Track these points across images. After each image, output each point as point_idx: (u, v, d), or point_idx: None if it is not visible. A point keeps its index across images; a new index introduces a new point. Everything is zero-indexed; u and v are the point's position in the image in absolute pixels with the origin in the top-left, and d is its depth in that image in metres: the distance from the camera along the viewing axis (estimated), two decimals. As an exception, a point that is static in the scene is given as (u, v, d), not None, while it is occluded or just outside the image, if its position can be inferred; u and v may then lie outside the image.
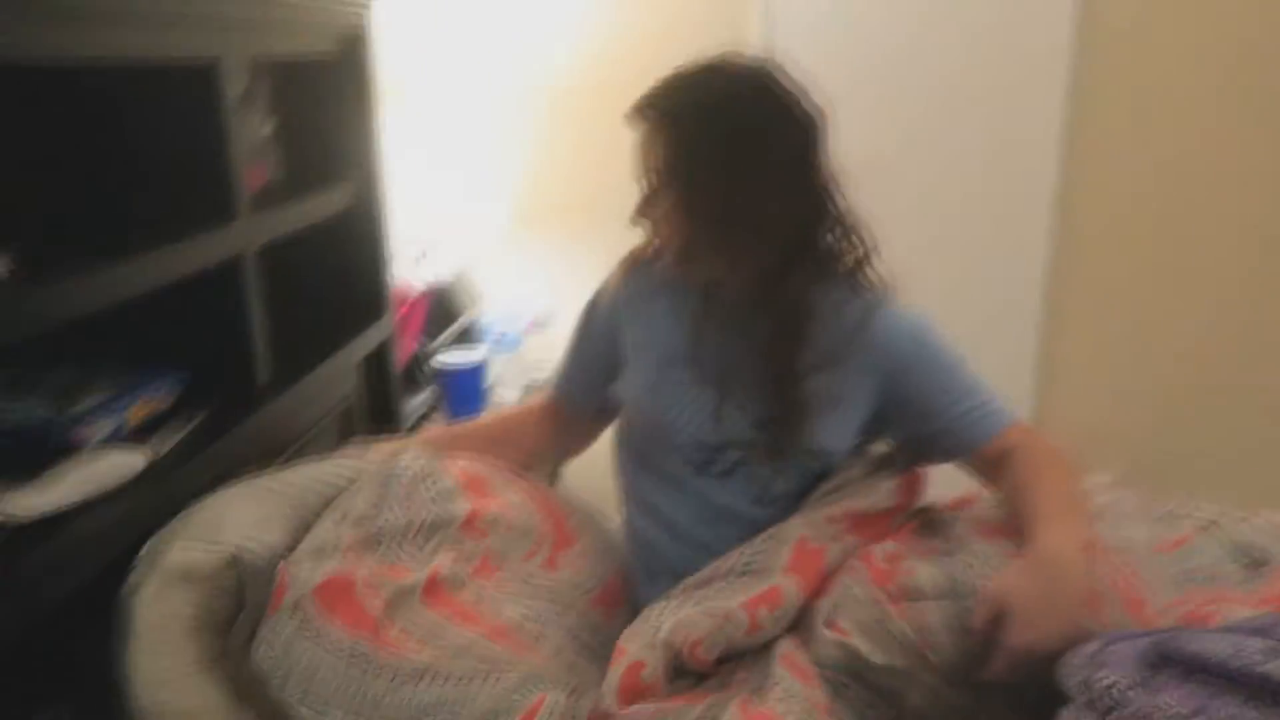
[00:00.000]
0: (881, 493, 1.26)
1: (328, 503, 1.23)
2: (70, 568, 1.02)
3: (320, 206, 1.59)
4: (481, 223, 2.44)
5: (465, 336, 2.39)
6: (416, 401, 2.09)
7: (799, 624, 1.15)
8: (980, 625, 1.02)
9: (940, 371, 1.27)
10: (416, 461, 1.25)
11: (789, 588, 1.14)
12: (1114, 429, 2.56)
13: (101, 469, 1.09)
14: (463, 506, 1.20)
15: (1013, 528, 1.15)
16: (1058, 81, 2.34)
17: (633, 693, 1.06)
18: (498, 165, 2.46)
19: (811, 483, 1.28)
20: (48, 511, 1.02)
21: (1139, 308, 2.50)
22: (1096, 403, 2.58)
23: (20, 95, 1.17)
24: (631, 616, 1.28)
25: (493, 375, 2.30)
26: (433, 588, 1.09)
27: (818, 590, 1.15)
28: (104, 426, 1.17)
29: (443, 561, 1.12)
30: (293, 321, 1.49)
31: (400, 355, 1.93)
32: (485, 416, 1.58)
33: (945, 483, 1.35)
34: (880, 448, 1.36)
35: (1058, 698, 0.94)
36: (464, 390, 2.17)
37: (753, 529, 1.22)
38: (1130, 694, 0.86)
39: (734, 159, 1.18)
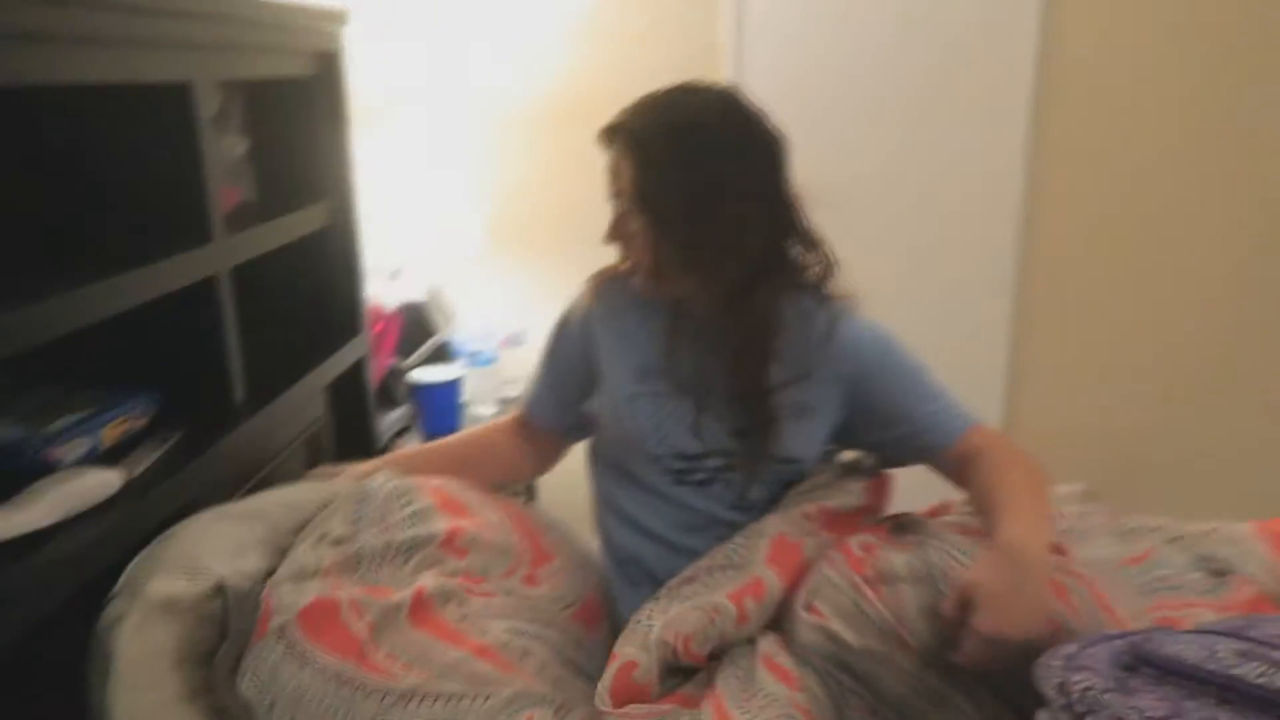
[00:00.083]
0: (852, 493, 1.30)
1: (302, 526, 1.23)
2: (45, 589, 1.01)
3: (295, 226, 1.59)
4: (454, 242, 2.45)
5: (439, 355, 2.39)
6: (391, 418, 2.09)
7: (781, 616, 1.17)
8: (950, 612, 1.05)
9: (904, 377, 1.31)
10: (389, 482, 1.26)
11: (771, 579, 1.17)
12: (1082, 435, 2.61)
13: (77, 489, 1.09)
14: (440, 525, 1.20)
15: (984, 531, 1.18)
16: (1023, 95, 2.40)
17: (625, 693, 1.08)
18: (470, 185, 2.48)
19: (785, 489, 1.32)
20: (23, 532, 1.02)
21: (1106, 316, 2.55)
22: (1065, 409, 2.63)
23: (-7, 118, 1.17)
24: (612, 632, 1.30)
25: (468, 392, 2.31)
26: (419, 606, 1.09)
27: (797, 581, 1.18)
28: (78, 446, 1.17)
29: (426, 579, 1.12)
30: (268, 340, 1.50)
31: (375, 373, 1.94)
32: (453, 436, 1.57)
33: (923, 493, 1.38)
34: (849, 455, 1.40)
35: (1031, 687, 0.96)
36: (439, 407, 2.18)
37: (731, 532, 1.26)
38: (1106, 697, 0.87)
39: (703, 180, 1.21)
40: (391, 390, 2.16)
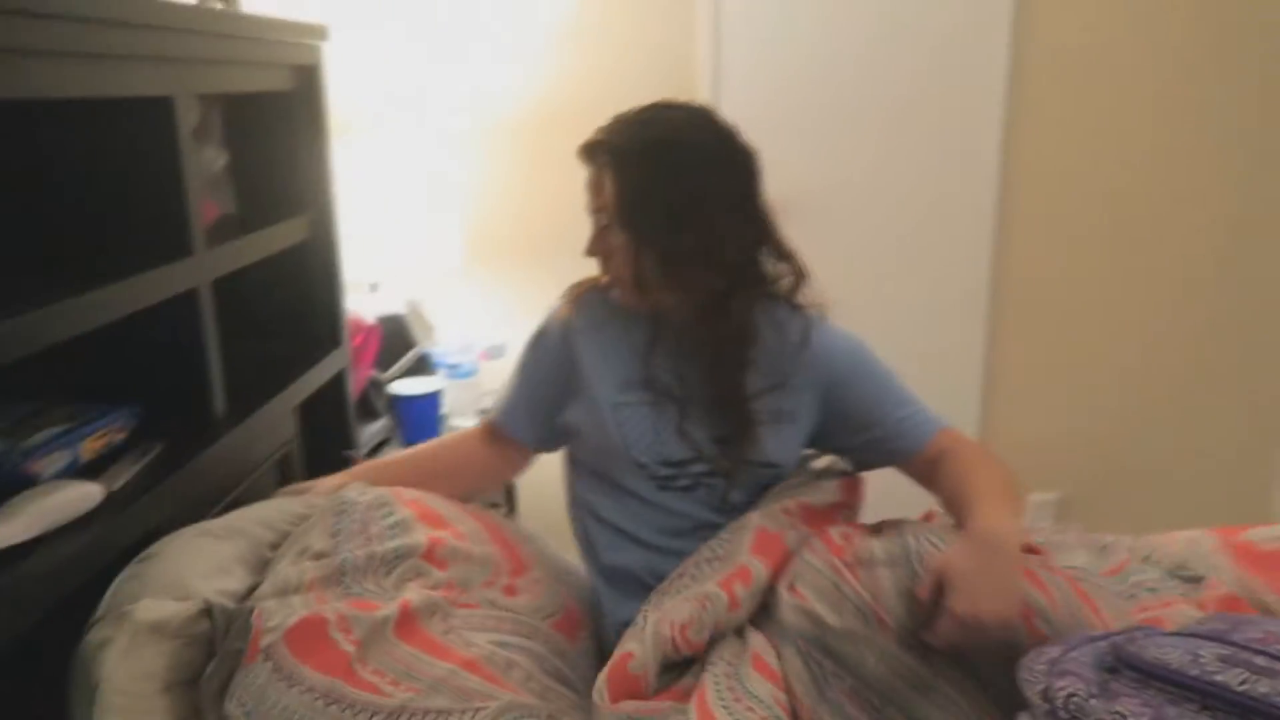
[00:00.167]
0: (828, 490, 1.34)
1: (280, 541, 1.23)
2: (25, 604, 1.00)
3: (275, 239, 1.59)
4: (434, 255, 2.46)
5: (419, 367, 2.39)
6: (372, 430, 2.09)
7: (769, 607, 1.19)
8: (925, 594, 1.07)
9: (876, 383, 1.36)
10: (366, 493, 1.26)
11: (757, 566, 1.20)
12: (1056, 443, 2.65)
13: (58, 502, 1.08)
14: (421, 537, 1.21)
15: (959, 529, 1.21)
16: (995, 108, 2.44)
17: (622, 682, 1.10)
18: (449, 199, 2.48)
19: (764, 492, 1.35)
20: (2, 546, 1.01)
21: (1079, 325, 2.59)
22: (1039, 417, 2.67)
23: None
24: (595, 642, 1.32)
25: (448, 404, 2.31)
26: (405, 620, 1.09)
27: (781, 568, 1.21)
28: (58, 460, 1.17)
29: (411, 593, 1.13)
30: (248, 353, 1.50)
31: (355, 385, 1.94)
32: (419, 447, 1.56)
33: (912, 504, 1.40)
34: (824, 460, 1.44)
35: (1010, 672, 0.99)
36: (420, 419, 2.18)
37: (715, 534, 1.28)
38: (1090, 704, 0.88)
39: (684, 194, 1.25)
40: (372, 402, 2.16)
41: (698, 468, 1.33)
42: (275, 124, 1.67)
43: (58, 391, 1.27)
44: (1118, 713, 0.86)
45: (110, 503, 1.15)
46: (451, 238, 2.47)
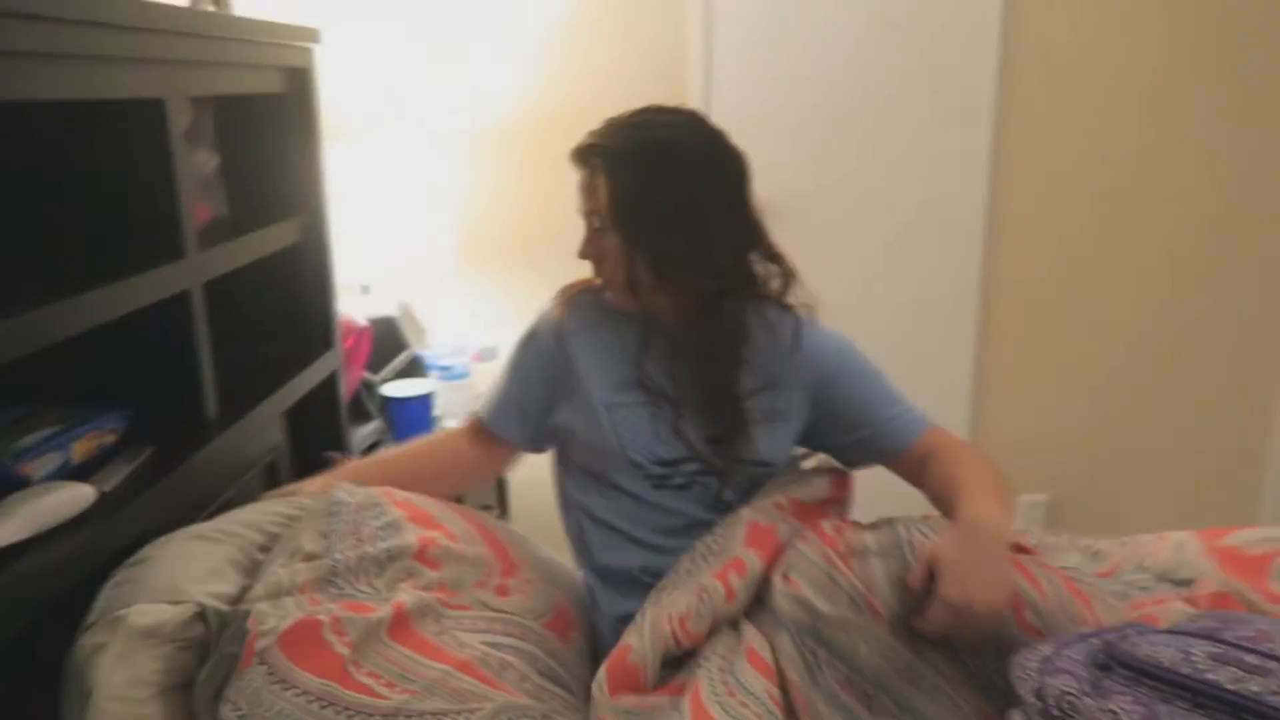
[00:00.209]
0: (817, 486, 1.36)
1: (270, 544, 1.23)
2: (18, 604, 1.00)
3: (267, 241, 1.59)
4: (425, 257, 2.46)
5: (411, 369, 2.39)
6: (364, 432, 2.09)
7: (763, 598, 1.19)
8: (916, 582, 1.08)
9: (865, 382, 1.38)
10: (356, 494, 1.26)
11: (751, 558, 1.21)
12: (1046, 443, 2.66)
13: (50, 504, 1.08)
14: (412, 537, 1.21)
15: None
16: (985, 110, 2.46)
17: (622, 673, 1.11)
18: (441, 201, 2.49)
19: (755, 490, 1.36)
20: (-4, 548, 1.01)
21: (1070, 325, 2.60)
22: (1029, 418, 2.68)
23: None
24: (586, 642, 1.32)
25: (439, 406, 2.31)
26: (399, 622, 1.09)
27: (775, 559, 1.22)
28: (49, 462, 1.17)
29: (405, 595, 1.13)
30: (240, 356, 1.50)
31: (347, 387, 1.94)
32: (403, 447, 1.55)
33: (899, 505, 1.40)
34: (814, 460, 1.46)
35: (997, 663, 1.00)
36: (412, 421, 2.18)
37: (709, 531, 1.29)
38: (1083, 702, 0.88)
39: (678, 197, 1.26)
40: (364, 404, 2.16)
41: (692, 466, 1.34)
42: (267, 126, 1.67)
43: (49, 394, 1.27)
44: (1111, 710, 0.87)
45: (102, 504, 1.15)
46: (443, 240, 2.48)
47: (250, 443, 1.50)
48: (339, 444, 1.84)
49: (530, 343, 1.44)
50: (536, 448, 1.47)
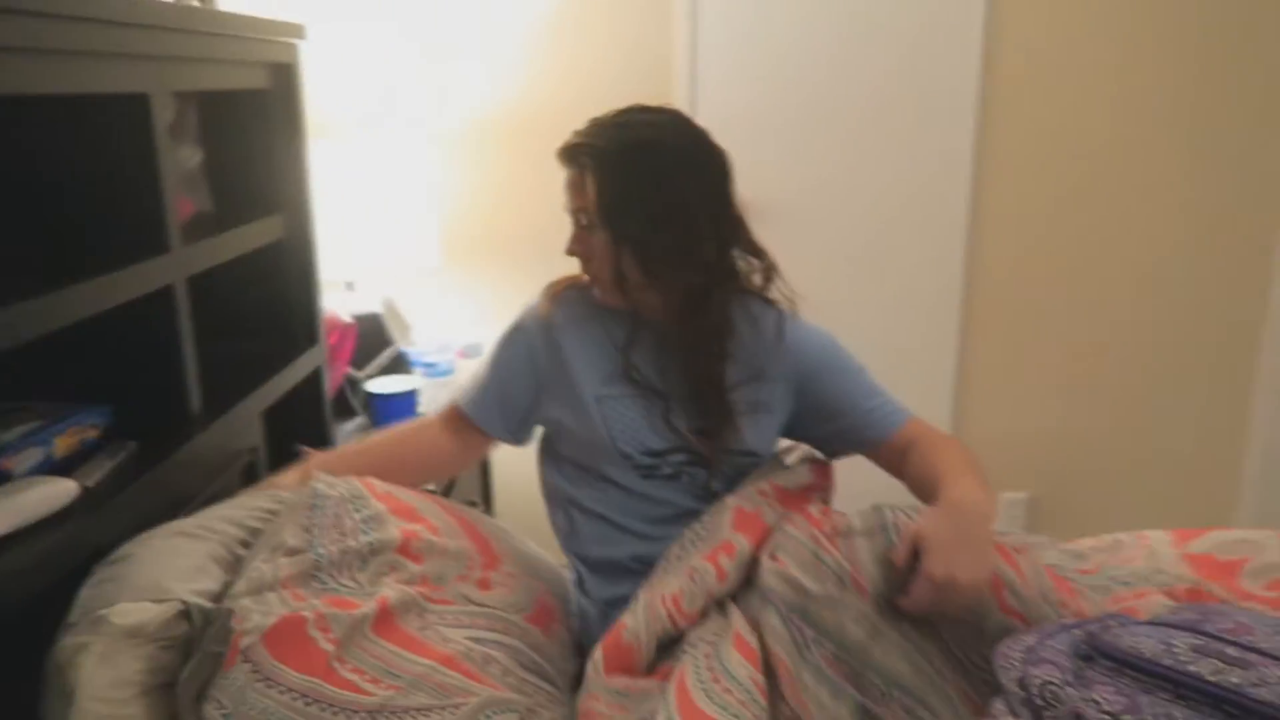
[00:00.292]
0: (799, 473, 1.39)
1: (251, 539, 1.22)
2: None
3: (251, 237, 1.59)
4: (410, 254, 2.46)
5: (395, 366, 2.39)
6: (348, 429, 2.09)
7: (751, 578, 1.21)
8: (901, 561, 1.11)
9: (847, 375, 1.41)
10: (336, 485, 1.26)
11: (740, 540, 1.23)
12: (1028, 440, 2.68)
13: (33, 498, 1.08)
14: (395, 531, 1.20)
15: None
16: (968, 109, 2.48)
17: (617, 652, 1.13)
18: (425, 198, 2.49)
19: (740, 481, 1.38)
20: (-24, 542, 1.01)
21: (1051, 323, 2.63)
22: (1011, 415, 2.70)
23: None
24: (569, 634, 1.33)
25: (424, 403, 2.31)
26: (384, 617, 1.09)
27: (762, 541, 1.24)
28: (31, 456, 1.16)
29: (388, 589, 1.13)
30: (223, 352, 1.49)
31: (331, 383, 1.93)
32: (377, 436, 1.53)
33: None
34: (797, 451, 1.48)
35: (979, 640, 1.02)
36: (396, 417, 2.17)
37: (697, 520, 1.31)
38: (1066, 691, 0.90)
39: (665, 195, 1.28)
40: (348, 401, 2.16)
41: (679, 457, 1.36)
42: (251, 122, 1.66)
43: (32, 389, 1.26)
44: (1093, 700, 0.88)
45: (85, 500, 1.14)
46: (428, 237, 2.47)
47: (233, 439, 1.49)
48: (323, 440, 1.83)
49: (516, 336, 1.44)
50: (516, 440, 1.47)
